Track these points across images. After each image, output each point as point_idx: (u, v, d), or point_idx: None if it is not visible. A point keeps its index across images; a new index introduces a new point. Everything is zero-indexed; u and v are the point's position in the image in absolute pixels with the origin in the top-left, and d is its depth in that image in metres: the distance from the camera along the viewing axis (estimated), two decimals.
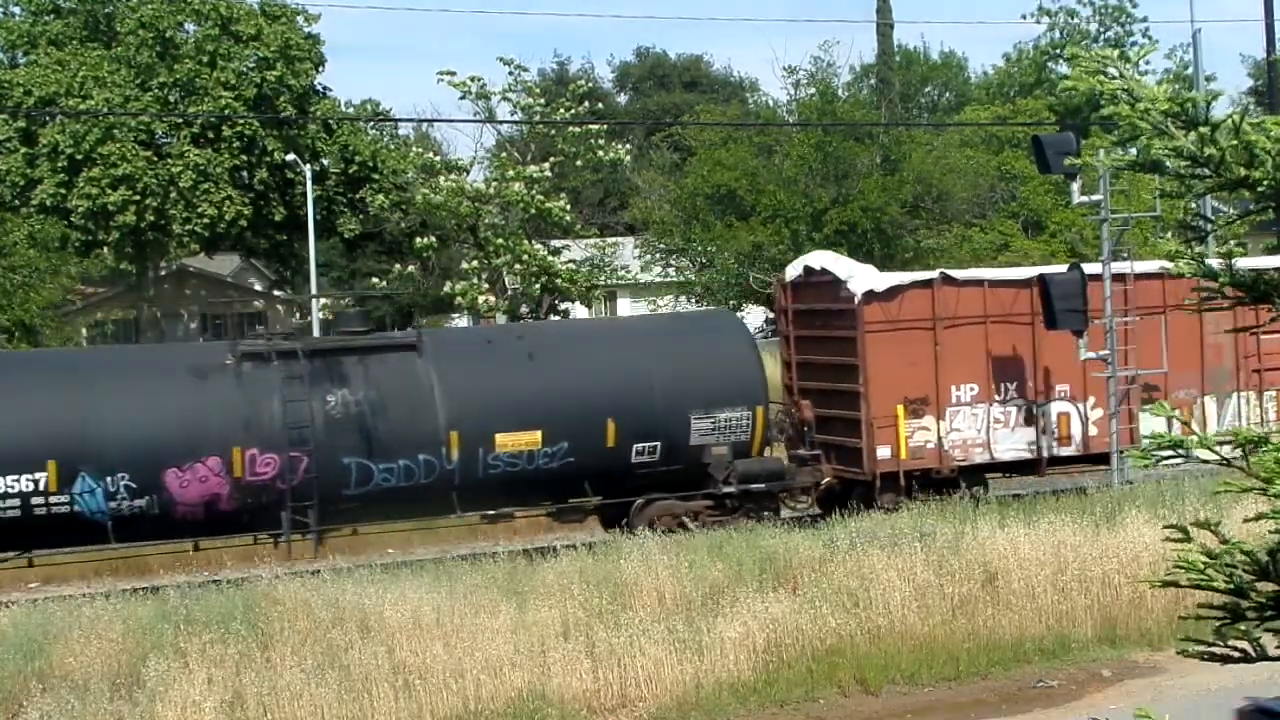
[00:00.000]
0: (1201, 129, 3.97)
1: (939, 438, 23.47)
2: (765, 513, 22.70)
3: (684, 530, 21.63)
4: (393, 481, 21.53)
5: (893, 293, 23.54)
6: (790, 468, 23.99)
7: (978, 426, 23.77)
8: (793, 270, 25.60)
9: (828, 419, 24.20)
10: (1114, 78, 4.08)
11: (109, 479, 20.14)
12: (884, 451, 23.24)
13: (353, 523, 22.34)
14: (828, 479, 23.85)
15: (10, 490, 19.77)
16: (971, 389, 23.75)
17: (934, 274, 24.19)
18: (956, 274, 24.32)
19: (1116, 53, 4.21)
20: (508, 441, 22.01)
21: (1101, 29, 65.65)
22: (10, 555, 20.67)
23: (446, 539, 24.68)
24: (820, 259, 25.38)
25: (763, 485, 23.20)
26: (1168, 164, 4.16)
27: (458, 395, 21.95)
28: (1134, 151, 4.40)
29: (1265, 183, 3.98)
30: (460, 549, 23.42)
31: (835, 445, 24.04)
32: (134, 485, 20.30)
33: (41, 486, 19.86)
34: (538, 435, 22.17)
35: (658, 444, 22.89)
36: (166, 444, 20.45)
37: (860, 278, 23.71)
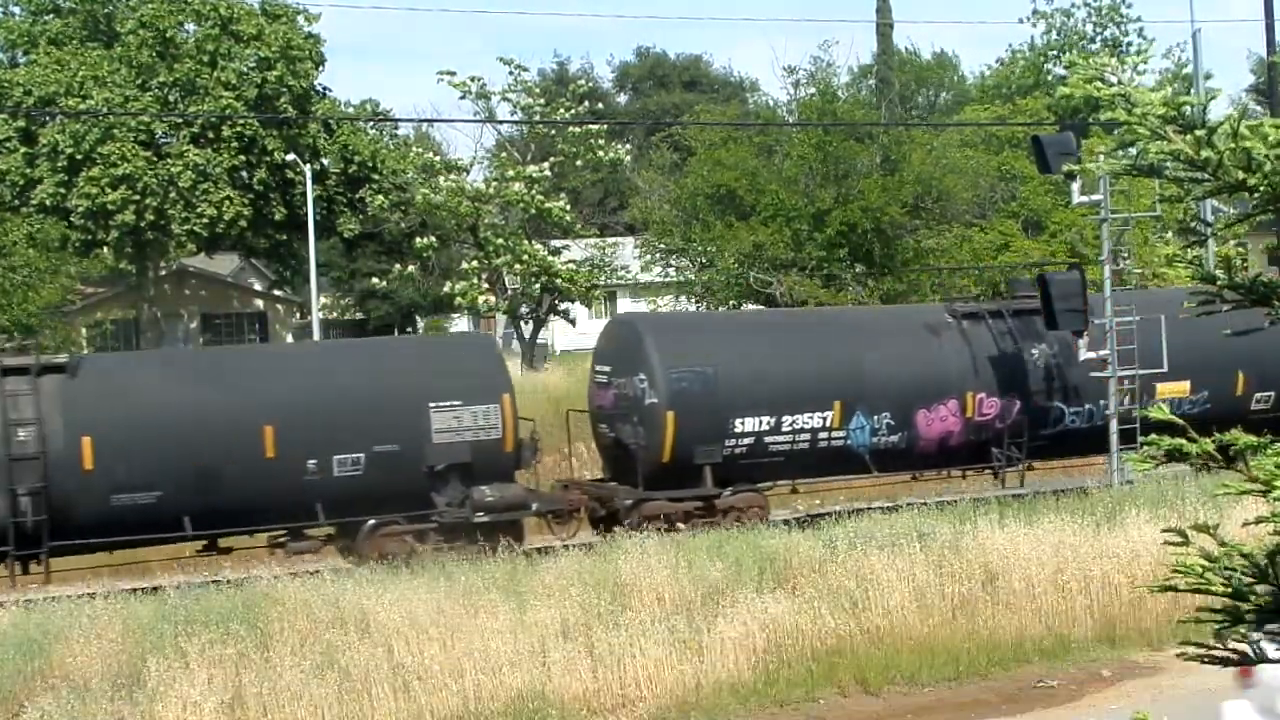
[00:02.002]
0: (1198, 133, 3.97)
1: None
2: None
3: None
4: (1076, 424, 25.27)
5: None
6: None
7: None
8: None
9: None
10: (1111, 84, 4.08)
11: (875, 417, 23.74)
12: None
13: (1035, 459, 25.46)
14: None
15: (805, 426, 23.35)
16: None
17: None
18: None
19: (1114, 60, 4.21)
20: (1164, 389, 25.19)
21: (1098, 30, 65.59)
22: (766, 485, 23.88)
23: None
24: None
25: None
26: (1165, 168, 4.16)
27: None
28: (1133, 154, 4.40)
29: (1261, 187, 3.98)
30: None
31: None
32: (892, 423, 23.93)
33: (827, 423, 23.50)
34: (1186, 385, 25.64)
35: (1272, 394, 26.33)
36: (918, 388, 24.14)
37: None
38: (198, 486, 20.55)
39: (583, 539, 22.43)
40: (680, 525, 21.74)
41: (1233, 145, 3.94)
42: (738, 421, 22.98)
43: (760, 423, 23.09)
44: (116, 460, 20.34)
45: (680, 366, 23.00)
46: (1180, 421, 4.70)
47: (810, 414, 23.35)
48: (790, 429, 23.29)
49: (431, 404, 21.75)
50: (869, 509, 22.53)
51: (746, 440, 23.09)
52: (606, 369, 24.15)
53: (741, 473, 23.28)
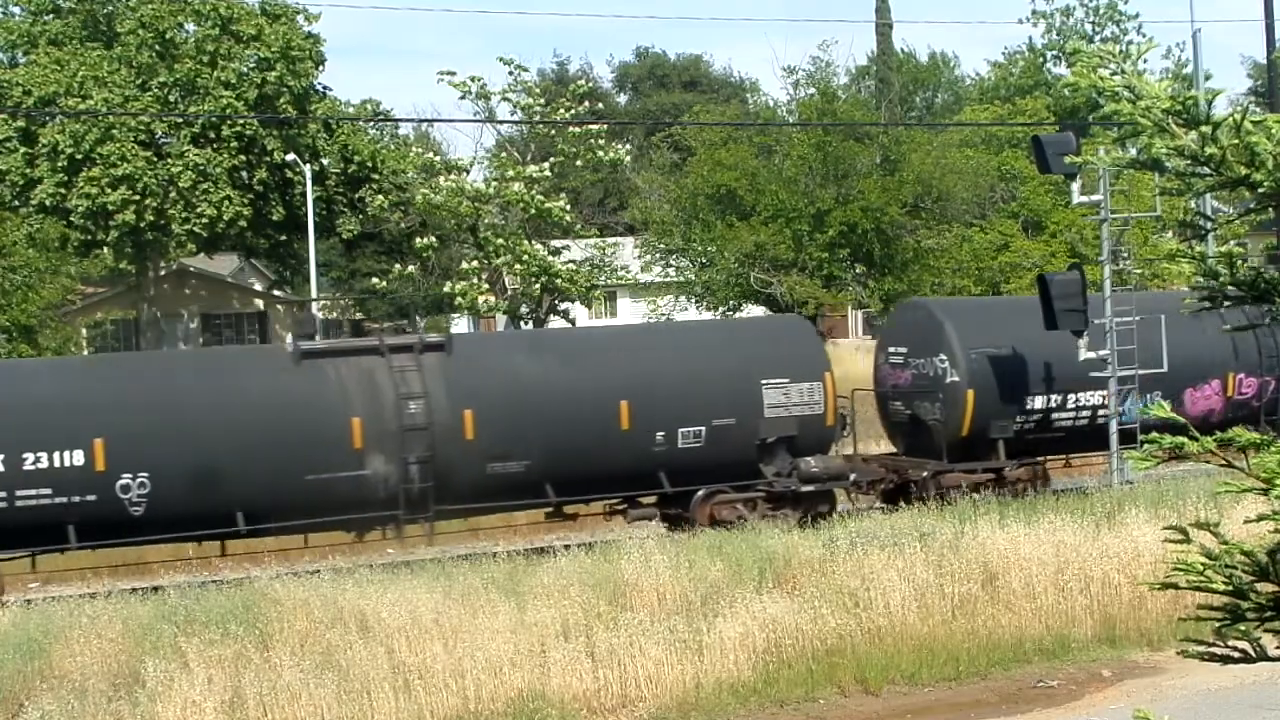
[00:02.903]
0: (1203, 127, 3.96)
1: None
2: None
3: None
4: None
5: None
6: None
7: None
8: None
9: None
10: (1115, 74, 4.06)
11: (1147, 396, 24.73)
12: None
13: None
14: None
15: (1086, 403, 25.02)
16: None
17: None
18: None
19: (1118, 49, 4.19)
20: None
21: (1096, 29, 65.60)
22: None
23: (447, 540, 24.68)
24: None
25: None
26: (1168, 162, 4.15)
27: None
28: (1134, 150, 4.38)
29: (1266, 183, 3.97)
30: (460, 549, 23.45)
31: None
32: (1163, 401, 24.19)
33: (1105, 401, 24.85)
34: None
35: None
36: (1187, 368, 25.59)
37: None
38: (561, 456, 22.10)
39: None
40: (973, 495, 23.23)
41: (1236, 141, 3.93)
42: (1029, 399, 24.75)
43: (1049, 400, 24.88)
44: (493, 431, 21.83)
45: (978, 347, 24.66)
46: (1183, 420, 4.68)
47: (1091, 392, 24.90)
48: (1074, 406, 24.99)
49: (764, 381, 23.25)
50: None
51: (1035, 416, 24.84)
52: (902, 350, 25.76)
53: (1026, 447, 24.91)
